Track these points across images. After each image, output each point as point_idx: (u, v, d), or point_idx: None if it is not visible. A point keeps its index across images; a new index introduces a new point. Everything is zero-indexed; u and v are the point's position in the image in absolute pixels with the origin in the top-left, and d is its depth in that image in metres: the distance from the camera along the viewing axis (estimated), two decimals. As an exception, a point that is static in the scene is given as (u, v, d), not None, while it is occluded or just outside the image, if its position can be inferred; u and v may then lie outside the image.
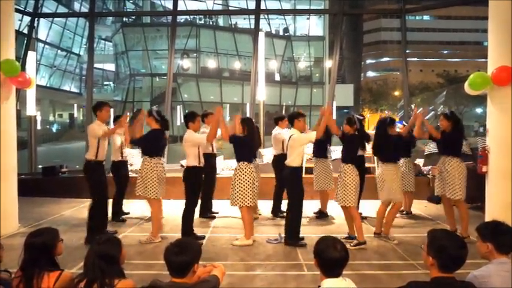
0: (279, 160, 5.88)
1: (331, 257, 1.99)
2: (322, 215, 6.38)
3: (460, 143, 5.23)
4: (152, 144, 5.03)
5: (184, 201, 5.19)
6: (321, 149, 6.20)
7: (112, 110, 5.92)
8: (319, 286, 2.02)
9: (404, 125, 6.05)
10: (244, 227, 5.04)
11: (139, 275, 3.77)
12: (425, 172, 7.59)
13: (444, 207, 5.47)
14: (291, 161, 4.99)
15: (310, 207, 6.77)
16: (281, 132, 6.22)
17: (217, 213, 6.48)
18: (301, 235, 5.09)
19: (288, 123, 5.59)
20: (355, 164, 5.02)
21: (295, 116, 5.23)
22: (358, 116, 5.22)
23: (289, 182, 5.13)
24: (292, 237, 4.99)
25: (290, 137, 5.05)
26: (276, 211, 6.41)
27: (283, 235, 5.13)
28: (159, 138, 5.08)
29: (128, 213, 6.45)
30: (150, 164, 4.98)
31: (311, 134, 5.11)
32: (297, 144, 4.97)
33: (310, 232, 5.51)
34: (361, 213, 5.73)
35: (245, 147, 5.02)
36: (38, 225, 5.51)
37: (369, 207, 6.60)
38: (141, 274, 3.86)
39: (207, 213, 6.33)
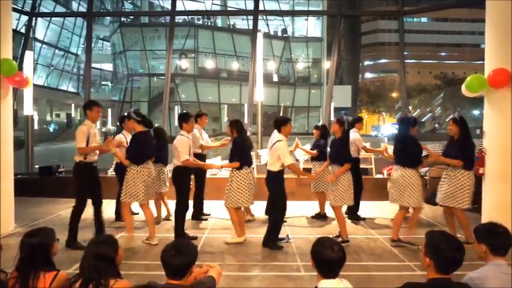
0: None
1: (328, 258, 1.99)
2: (320, 217, 6.36)
3: (471, 150, 4.88)
4: (140, 151, 4.84)
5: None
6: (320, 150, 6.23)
7: (110, 110, 5.85)
8: (316, 287, 2.02)
9: None
10: (234, 226, 5.09)
11: (136, 276, 3.76)
12: (422, 174, 7.59)
13: (445, 215, 5.21)
14: (270, 165, 4.97)
15: (308, 208, 6.77)
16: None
17: (209, 214, 6.43)
18: (299, 236, 5.11)
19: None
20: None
21: (283, 122, 5.00)
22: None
23: (268, 186, 5.08)
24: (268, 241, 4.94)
25: (275, 143, 4.88)
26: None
27: (291, 236, 5.19)
28: (146, 142, 4.89)
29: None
30: (135, 170, 4.82)
31: (287, 159, 4.83)
32: (277, 153, 4.85)
33: (307, 233, 5.52)
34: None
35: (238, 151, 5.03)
36: (35, 225, 5.49)
37: (369, 209, 6.62)
38: (138, 274, 3.85)
39: (199, 215, 6.25)
